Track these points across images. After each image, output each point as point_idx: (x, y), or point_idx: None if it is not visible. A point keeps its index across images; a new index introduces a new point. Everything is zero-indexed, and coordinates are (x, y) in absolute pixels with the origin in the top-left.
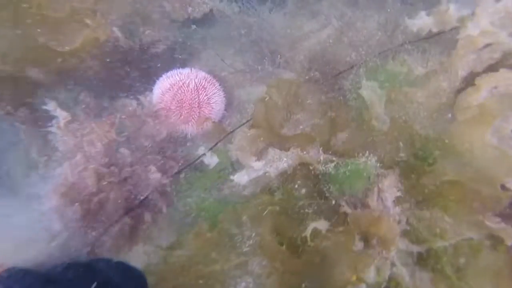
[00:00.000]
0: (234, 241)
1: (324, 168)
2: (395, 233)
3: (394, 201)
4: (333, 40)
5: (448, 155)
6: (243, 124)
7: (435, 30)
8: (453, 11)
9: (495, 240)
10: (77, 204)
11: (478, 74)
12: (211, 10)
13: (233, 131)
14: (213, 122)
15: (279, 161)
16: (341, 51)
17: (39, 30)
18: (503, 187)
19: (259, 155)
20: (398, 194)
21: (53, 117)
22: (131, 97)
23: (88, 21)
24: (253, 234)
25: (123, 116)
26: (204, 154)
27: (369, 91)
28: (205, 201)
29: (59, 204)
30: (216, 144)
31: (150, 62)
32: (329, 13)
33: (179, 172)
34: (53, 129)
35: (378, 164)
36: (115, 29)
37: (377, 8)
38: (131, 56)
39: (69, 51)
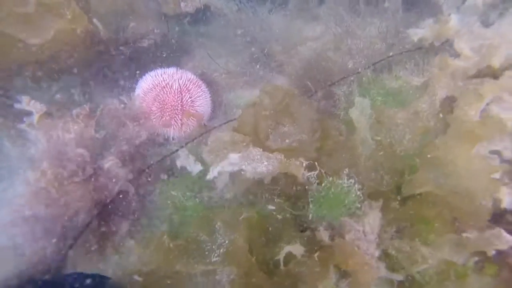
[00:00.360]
0: (203, 248)
1: (306, 181)
2: (371, 277)
3: (376, 239)
4: (331, 47)
5: (429, 165)
6: (223, 124)
7: (436, 42)
8: (455, 22)
9: (482, 256)
10: (44, 209)
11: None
12: (208, 7)
13: (208, 131)
14: (198, 119)
15: (259, 163)
16: (338, 58)
17: (4, 21)
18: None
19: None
20: (379, 228)
21: (26, 113)
22: (111, 95)
23: (62, 11)
24: (226, 242)
25: (103, 111)
26: (177, 150)
27: (359, 111)
28: (188, 201)
29: (25, 210)
30: (192, 141)
31: (135, 57)
32: (329, 18)
33: (149, 167)
34: (23, 126)
35: (359, 192)
36: (95, 20)
37: (378, 15)
38: (113, 51)
39: (42, 44)
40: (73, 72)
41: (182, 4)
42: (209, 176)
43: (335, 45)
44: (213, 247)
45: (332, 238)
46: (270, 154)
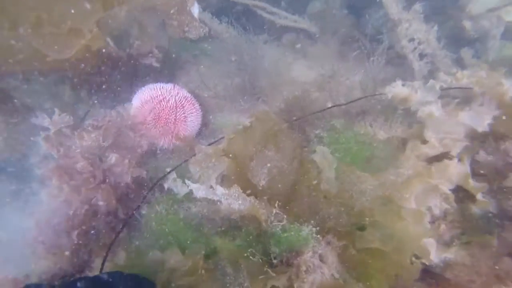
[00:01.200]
0: (226, 280)
1: (270, 228)
2: None
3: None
4: (314, 87)
5: (377, 224)
6: (213, 143)
7: (400, 105)
8: (418, 97)
9: None
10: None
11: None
12: (208, 31)
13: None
14: (187, 141)
15: (235, 200)
16: (318, 99)
17: (35, 38)
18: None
19: (224, 184)
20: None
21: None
22: (111, 105)
23: (85, 32)
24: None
25: (108, 121)
26: (168, 173)
27: (320, 157)
28: (169, 215)
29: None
30: (180, 164)
31: (139, 72)
32: (318, 58)
33: (149, 190)
34: (39, 139)
35: (317, 235)
36: (108, 39)
37: (362, 66)
38: (120, 66)
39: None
40: (80, 84)
41: (186, 28)
42: (193, 188)
43: (318, 85)
44: (234, 282)
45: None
46: (246, 197)
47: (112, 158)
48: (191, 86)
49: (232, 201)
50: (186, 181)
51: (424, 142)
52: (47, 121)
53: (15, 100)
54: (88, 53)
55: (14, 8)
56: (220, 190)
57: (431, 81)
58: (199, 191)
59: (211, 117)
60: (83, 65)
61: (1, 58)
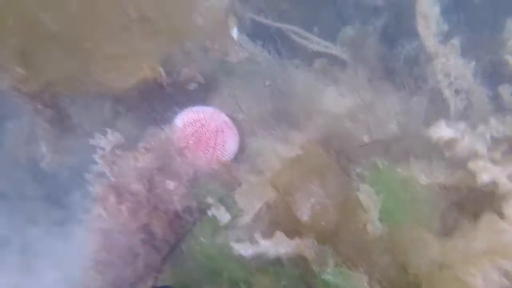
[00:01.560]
0: None
1: (318, 270)
2: None
3: None
4: (349, 117)
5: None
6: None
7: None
8: (466, 143)
9: None
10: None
11: None
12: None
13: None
14: (225, 167)
15: (280, 245)
16: (354, 131)
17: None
18: None
19: (266, 234)
20: None
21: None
22: (160, 127)
23: (144, 65)
24: None
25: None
26: (211, 204)
27: (364, 195)
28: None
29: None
30: (225, 193)
31: (181, 96)
32: (350, 86)
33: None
34: (96, 158)
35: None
36: (161, 69)
37: (400, 100)
38: (166, 90)
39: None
40: (128, 107)
41: (226, 52)
42: (240, 249)
43: (352, 116)
44: None
45: None
46: (291, 241)
47: (170, 184)
48: (225, 109)
49: (278, 247)
50: (232, 243)
51: (501, 215)
52: (102, 141)
53: (67, 117)
54: (142, 82)
55: (90, 43)
56: (263, 244)
57: (481, 128)
58: (246, 250)
59: (247, 140)
60: (133, 90)
61: (67, 86)
